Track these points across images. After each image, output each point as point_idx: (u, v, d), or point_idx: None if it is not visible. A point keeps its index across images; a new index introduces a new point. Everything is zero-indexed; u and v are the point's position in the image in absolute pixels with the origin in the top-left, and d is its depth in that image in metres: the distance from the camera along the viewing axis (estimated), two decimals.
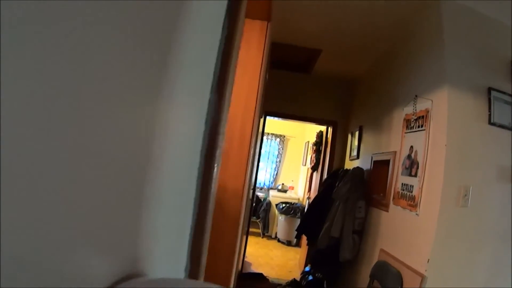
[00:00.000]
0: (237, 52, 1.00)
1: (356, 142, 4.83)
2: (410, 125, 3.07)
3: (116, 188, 0.47)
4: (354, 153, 4.86)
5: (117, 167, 0.46)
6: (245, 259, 5.61)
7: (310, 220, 4.73)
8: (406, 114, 3.16)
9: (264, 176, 9.27)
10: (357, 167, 4.32)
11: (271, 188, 9.18)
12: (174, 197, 0.75)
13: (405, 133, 3.14)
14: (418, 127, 2.92)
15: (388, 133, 3.64)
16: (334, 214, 4.10)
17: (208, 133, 0.86)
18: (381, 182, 3.56)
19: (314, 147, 6.84)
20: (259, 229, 8.21)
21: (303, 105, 5.52)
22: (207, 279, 2.13)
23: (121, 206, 0.50)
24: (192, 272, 0.84)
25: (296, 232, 5.20)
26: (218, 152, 0.89)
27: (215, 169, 0.89)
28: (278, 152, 9.44)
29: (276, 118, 6.17)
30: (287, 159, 9.47)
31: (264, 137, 7.89)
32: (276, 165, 9.42)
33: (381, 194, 3.55)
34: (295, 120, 6.22)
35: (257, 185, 8.34)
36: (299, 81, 5.52)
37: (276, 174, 9.41)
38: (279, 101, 5.43)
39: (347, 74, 5.26)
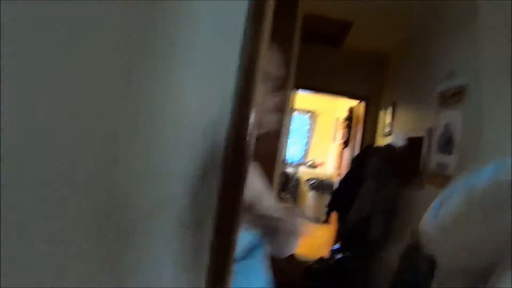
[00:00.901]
0: None
1: (389, 118, 4.67)
2: (446, 101, 2.91)
3: None
4: (387, 129, 4.71)
5: None
6: None
7: (341, 197, 4.65)
8: (441, 90, 2.99)
9: (293, 151, 9.16)
10: (389, 144, 4.18)
11: (301, 164, 9.08)
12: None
13: (441, 110, 2.98)
14: (455, 103, 2.76)
15: (423, 109, 3.48)
16: (365, 192, 4.00)
17: (242, 69, 0.72)
18: (414, 160, 3.42)
19: (345, 123, 6.68)
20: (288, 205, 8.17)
21: (334, 79, 5.34)
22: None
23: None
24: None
25: (326, 209, 5.11)
26: (254, 95, 0.74)
27: (252, 116, 0.74)
28: (308, 127, 9.30)
29: (306, 92, 6.04)
30: (317, 135, 9.32)
31: (294, 112, 7.77)
32: (306, 141, 9.29)
33: (414, 173, 3.41)
34: (326, 94, 6.11)
35: (287, 161, 8.27)
36: (330, 55, 5.33)
37: (306, 150, 9.30)
38: (309, 75, 5.27)
39: (380, 48, 5.05)
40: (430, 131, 3.15)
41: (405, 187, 3.65)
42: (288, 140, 5.24)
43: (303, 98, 8.08)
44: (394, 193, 3.77)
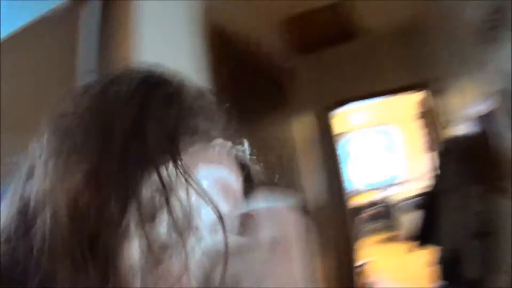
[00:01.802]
0: None
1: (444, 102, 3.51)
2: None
3: None
4: (451, 118, 3.50)
5: None
6: None
7: (423, 223, 3.43)
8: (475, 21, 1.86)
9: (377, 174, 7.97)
10: (458, 136, 2.99)
11: (391, 185, 7.79)
12: None
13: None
14: None
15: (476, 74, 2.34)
16: (445, 213, 2.82)
17: None
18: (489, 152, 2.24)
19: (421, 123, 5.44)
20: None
21: (370, 80, 4.18)
22: None
23: None
24: None
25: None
26: None
27: None
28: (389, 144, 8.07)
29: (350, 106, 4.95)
30: (399, 148, 8.00)
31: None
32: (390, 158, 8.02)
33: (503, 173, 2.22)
34: (380, 98, 5.11)
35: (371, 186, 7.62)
36: (349, 54, 4.21)
37: (392, 168, 7.94)
38: (343, 86, 4.24)
39: (402, 20, 3.82)
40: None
41: (494, 196, 2.41)
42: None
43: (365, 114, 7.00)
44: (481, 207, 2.51)
